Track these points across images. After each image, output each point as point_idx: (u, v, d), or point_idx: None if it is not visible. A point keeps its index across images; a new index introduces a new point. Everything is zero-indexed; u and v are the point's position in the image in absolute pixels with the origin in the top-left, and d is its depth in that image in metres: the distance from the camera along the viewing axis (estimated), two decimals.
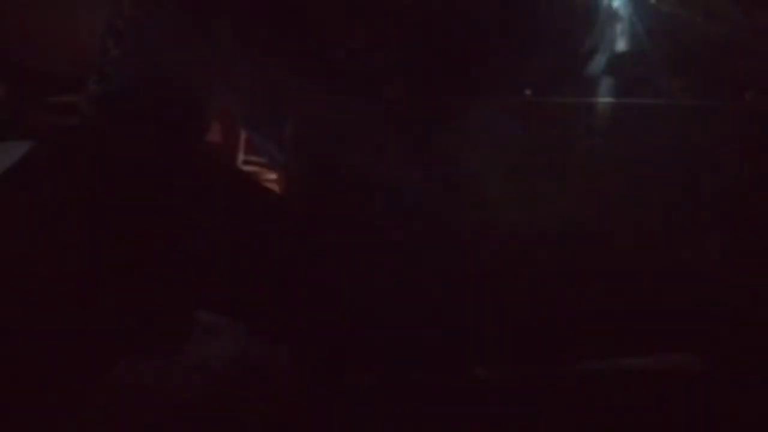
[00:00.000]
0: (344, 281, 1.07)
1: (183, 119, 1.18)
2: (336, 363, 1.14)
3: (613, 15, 1.14)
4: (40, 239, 1.00)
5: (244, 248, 1.09)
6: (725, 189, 1.13)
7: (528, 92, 1.09)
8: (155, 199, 1.05)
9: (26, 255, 1.00)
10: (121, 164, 1.05)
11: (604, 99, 1.13)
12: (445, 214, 1.08)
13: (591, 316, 1.13)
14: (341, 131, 1.10)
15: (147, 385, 1.21)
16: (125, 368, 1.15)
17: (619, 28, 1.14)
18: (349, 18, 1.10)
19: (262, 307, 1.12)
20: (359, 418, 1.13)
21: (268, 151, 1.31)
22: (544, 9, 1.13)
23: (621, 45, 1.14)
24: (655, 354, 1.25)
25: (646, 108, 1.12)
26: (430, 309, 1.07)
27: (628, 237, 1.11)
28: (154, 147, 1.10)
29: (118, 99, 1.14)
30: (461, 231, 1.08)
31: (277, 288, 1.10)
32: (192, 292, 1.09)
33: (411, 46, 1.09)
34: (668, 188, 1.12)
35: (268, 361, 1.28)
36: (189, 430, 1.18)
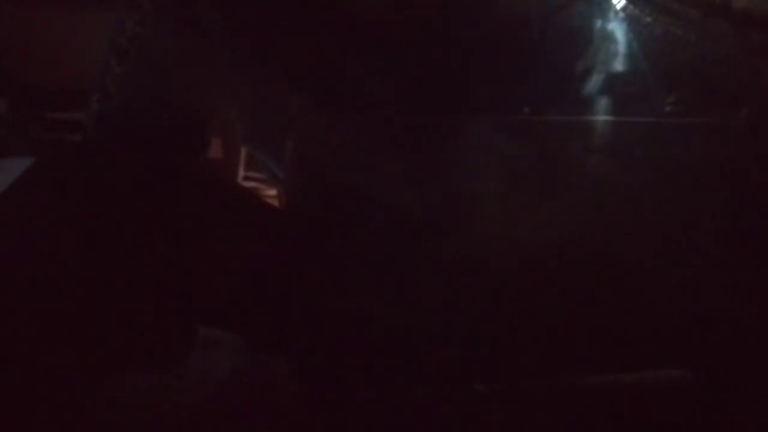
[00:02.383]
0: (344, 295, 1.07)
1: (184, 136, 1.19)
2: (337, 377, 1.15)
3: (609, 34, 1.15)
4: (40, 256, 1.01)
5: (245, 263, 1.09)
6: (722, 206, 1.14)
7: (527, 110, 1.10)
8: (156, 216, 1.06)
9: (27, 272, 1.00)
10: (122, 181, 1.06)
11: (601, 117, 1.13)
12: (446, 231, 1.08)
13: (591, 332, 1.14)
14: (341, 148, 1.10)
15: (147, 399, 1.21)
16: (125, 382, 1.15)
17: (615, 46, 1.15)
18: (348, 37, 1.11)
19: (262, 321, 1.13)
20: None
21: (268, 166, 1.32)
22: (542, 27, 1.14)
23: (617, 64, 1.15)
24: (652, 369, 1.26)
25: (642, 126, 1.13)
26: (430, 324, 1.08)
27: (626, 254, 1.11)
28: (155, 164, 1.10)
29: (120, 117, 1.15)
30: (462, 247, 1.09)
31: (277, 302, 1.10)
32: (192, 307, 1.10)
33: (409, 65, 1.10)
34: (665, 206, 1.13)
35: (269, 376, 1.28)
36: None
